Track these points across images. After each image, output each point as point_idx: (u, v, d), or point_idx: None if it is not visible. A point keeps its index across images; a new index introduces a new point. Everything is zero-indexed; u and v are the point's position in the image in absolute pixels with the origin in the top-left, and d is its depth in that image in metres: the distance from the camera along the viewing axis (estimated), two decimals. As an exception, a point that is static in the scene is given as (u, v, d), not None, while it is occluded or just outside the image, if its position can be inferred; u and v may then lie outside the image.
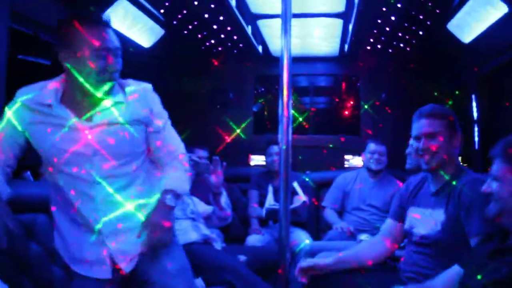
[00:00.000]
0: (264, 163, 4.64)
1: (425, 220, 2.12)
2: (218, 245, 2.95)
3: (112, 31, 1.78)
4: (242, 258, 2.92)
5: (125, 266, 1.86)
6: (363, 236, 3.18)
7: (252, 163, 4.85)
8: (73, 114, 1.75)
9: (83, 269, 1.86)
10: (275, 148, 3.85)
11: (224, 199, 3.25)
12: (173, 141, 2.00)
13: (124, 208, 1.84)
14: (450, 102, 4.37)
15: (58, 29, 1.73)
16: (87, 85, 1.73)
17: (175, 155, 1.97)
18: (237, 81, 4.88)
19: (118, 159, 1.81)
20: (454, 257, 1.88)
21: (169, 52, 4.12)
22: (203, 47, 4.36)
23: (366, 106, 4.76)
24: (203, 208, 3.18)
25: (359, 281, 2.24)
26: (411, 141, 2.26)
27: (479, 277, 1.47)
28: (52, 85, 1.77)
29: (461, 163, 2.17)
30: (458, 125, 2.14)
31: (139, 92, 1.89)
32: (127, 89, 1.86)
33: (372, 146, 3.74)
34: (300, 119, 4.81)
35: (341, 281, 2.28)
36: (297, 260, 3.45)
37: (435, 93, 4.37)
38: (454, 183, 2.05)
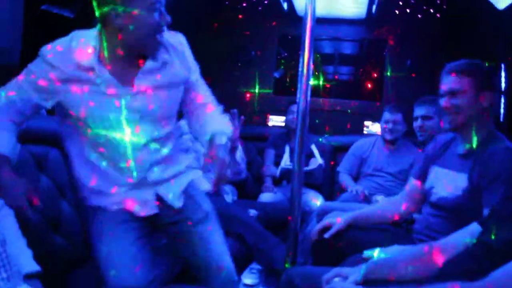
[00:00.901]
0: (283, 124, 4.63)
1: (447, 182, 2.04)
2: (229, 197, 2.96)
3: None
4: (253, 212, 2.93)
5: (176, 203, 1.89)
6: (379, 197, 3.15)
7: (270, 123, 4.83)
8: (115, 79, 1.64)
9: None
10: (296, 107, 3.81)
11: (239, 154, 3.24)
12: (205, 92, 1.97)
13: (166, 160, 1.86)
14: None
15: None
16: (139, 46, 1.63)
17: (206, 102, 1.95)
18: (260, 39, 4.80)
19: (159, 122, 1.78)
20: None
21: (192, 7, 4.05)
22: (227, 2, 4.28)
23: (388, 73, 4.66)
24: None
25: (368, 238, 2.22)
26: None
27: (493, 236, 1.41)
28: (89, 45, 1.61)
29: (494, 128, 2.03)
30: (491, 82, 2.00)
31: (179, 48, 1.80)
32: (170, 47, 1.75)
33: (386, 115, 3.62)
34: (317, 82, 4.74)
35: (350, 238, 2.27)
36: (309, 220, 3.47)
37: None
38: (484, 148, 1.94)
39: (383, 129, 3.67)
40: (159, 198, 1.87)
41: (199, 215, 1.93)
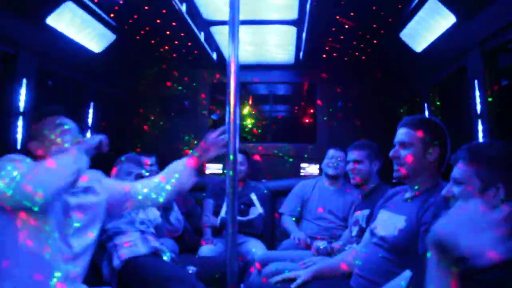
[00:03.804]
0: (220, 171, 4.60)
1: (387, 223, 2.12)
2: (168, 256, 2.87)
3: None
4: (192, 269, 2.85)
5: None
6: (320, 243, 3.15)
7: (207, 171, 4.78)
8: None
9: None
10: (238, 157, 3.79)
11: (174, 215, 3.21)
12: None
13: None
14: (402, 110, 4.44)
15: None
16: None
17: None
18: (193, 88, 4.81)
19: None
20: (408, 264, 1.88)
21: (121, 58, 4.01)
22: (156, 53, 4.27)
23: (325, 118, 4.79)
24: (154, 215, 3.09)
25: None
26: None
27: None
28: None
29: (440, 179, 2.13)
30: (440, 139, 2.10)
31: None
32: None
33: (331, 152, 3.73)
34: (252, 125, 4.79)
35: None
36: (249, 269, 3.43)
37: (389, 102, 4.43)
38: (427, 197, 2.04)
39: (326, 165, 3.74)
40: None
41: None
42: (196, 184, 4.23)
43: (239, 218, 3.73)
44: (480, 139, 2.76)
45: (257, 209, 3.80)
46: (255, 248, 3.63)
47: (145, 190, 2.27)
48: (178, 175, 2.30)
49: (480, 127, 2.79)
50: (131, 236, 2.83)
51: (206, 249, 3.62)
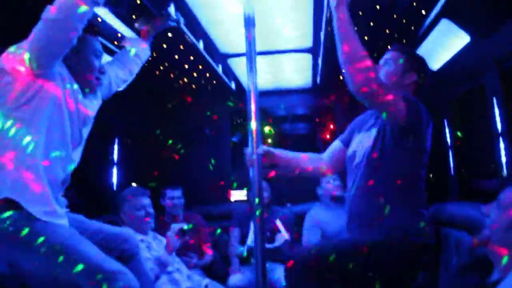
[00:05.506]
0: (245, 198, 4.62)
1: (363, 140, 2.27)
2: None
3: None
4: None
5: None
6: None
7: (232, 199, 4.81)
8: None
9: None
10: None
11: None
12: None
13: None
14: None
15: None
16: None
17: None
18: (213, 117, 4.88)
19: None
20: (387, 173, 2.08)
21: (141, 93, 4.10)
22: (176, 86, 4.36)
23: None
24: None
25: None
26: None
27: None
28: None
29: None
30: (418, 67, 2.36)
31: None
32: None
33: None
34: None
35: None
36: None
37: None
38: None
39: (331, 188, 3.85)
40: None
41: None
42: (221, 212, 4.36)
43: (266, 245, 3.73)
44: (503, 157, 2.75)
45: (283, 235, 3.80)
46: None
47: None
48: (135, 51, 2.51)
49: (502, 145, 2.77)
50: (160, 280, 2.78)
51: (235, 279, 3.63)
